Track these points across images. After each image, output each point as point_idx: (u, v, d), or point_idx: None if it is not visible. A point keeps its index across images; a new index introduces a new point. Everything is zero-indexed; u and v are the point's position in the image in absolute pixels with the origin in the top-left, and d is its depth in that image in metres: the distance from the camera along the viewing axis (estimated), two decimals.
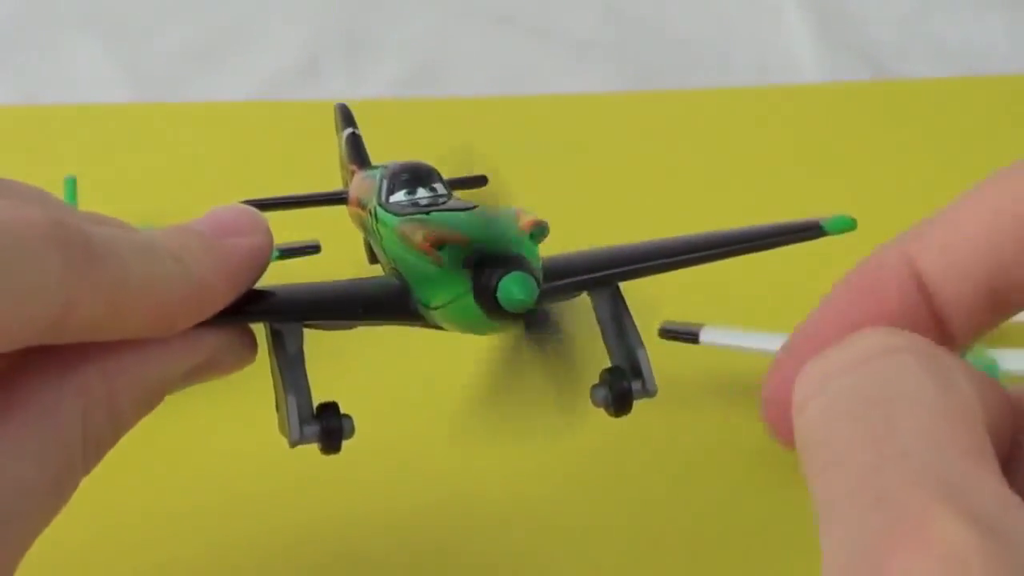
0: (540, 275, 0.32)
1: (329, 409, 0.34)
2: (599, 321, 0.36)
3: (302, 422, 0.34)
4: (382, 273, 0.36)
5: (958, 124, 0.71)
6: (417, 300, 0.34)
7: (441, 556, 0.45)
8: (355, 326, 0.36)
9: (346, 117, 0.46)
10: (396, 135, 0.69)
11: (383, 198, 0.36)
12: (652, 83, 0.75)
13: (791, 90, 0.74)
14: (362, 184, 0.40)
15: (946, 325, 0.29)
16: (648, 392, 0.36)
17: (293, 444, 0.34)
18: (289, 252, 0.51)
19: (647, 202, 0.64)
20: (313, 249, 0.52)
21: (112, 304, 0.31)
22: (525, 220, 0.32)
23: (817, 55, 0.76)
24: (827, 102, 0.73)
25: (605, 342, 0.36)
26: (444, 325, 0.34)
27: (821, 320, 0.29)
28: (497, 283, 0.31)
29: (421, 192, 0.36)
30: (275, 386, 0.35)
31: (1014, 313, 0.29)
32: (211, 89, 0.74)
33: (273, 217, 0.35)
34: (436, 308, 0.33)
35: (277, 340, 0.34)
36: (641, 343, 0.36)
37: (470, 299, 0.32)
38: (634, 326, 0.36)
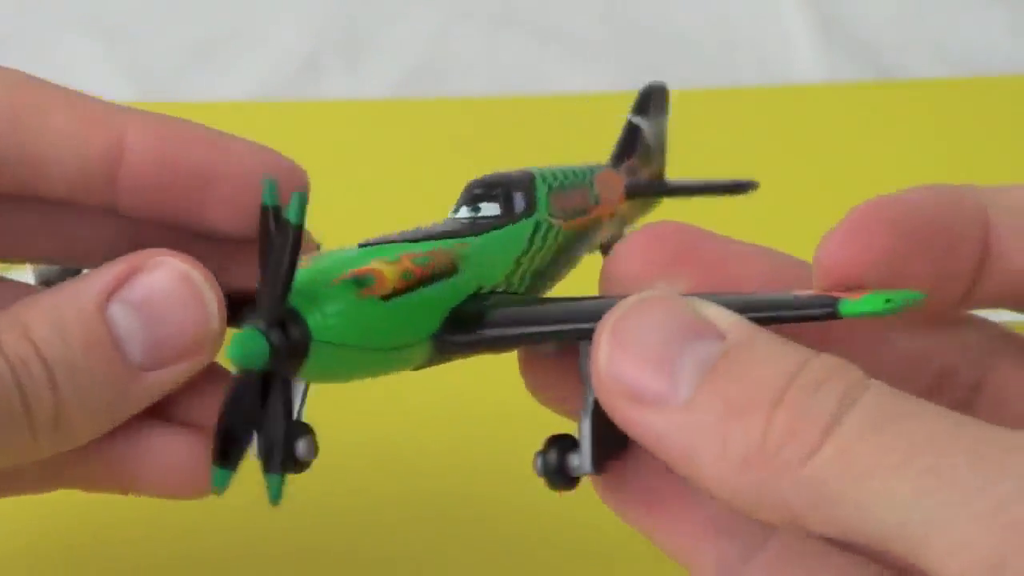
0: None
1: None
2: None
3: None
4: None
5: (958, 124, 0.71)
6: None
7: (437, 555, 0.45)
8: None
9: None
10: (396, 135, 0.70)
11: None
12: None
13: (791, 90, 0.74)
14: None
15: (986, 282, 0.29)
16: (581, 470, 0.31)
17: None
18: None
19: None
20: None
21: None
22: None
23: (817, 55, 0.76)
24: (827, 102, 0.73)
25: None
26: None
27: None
28: None
29: None
30: None
31: None
32: (211, 89, 0.74)
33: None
34: None
35: None
36: (587, 411, 0.30)
37: None
38: (591, 389, 0.30)
